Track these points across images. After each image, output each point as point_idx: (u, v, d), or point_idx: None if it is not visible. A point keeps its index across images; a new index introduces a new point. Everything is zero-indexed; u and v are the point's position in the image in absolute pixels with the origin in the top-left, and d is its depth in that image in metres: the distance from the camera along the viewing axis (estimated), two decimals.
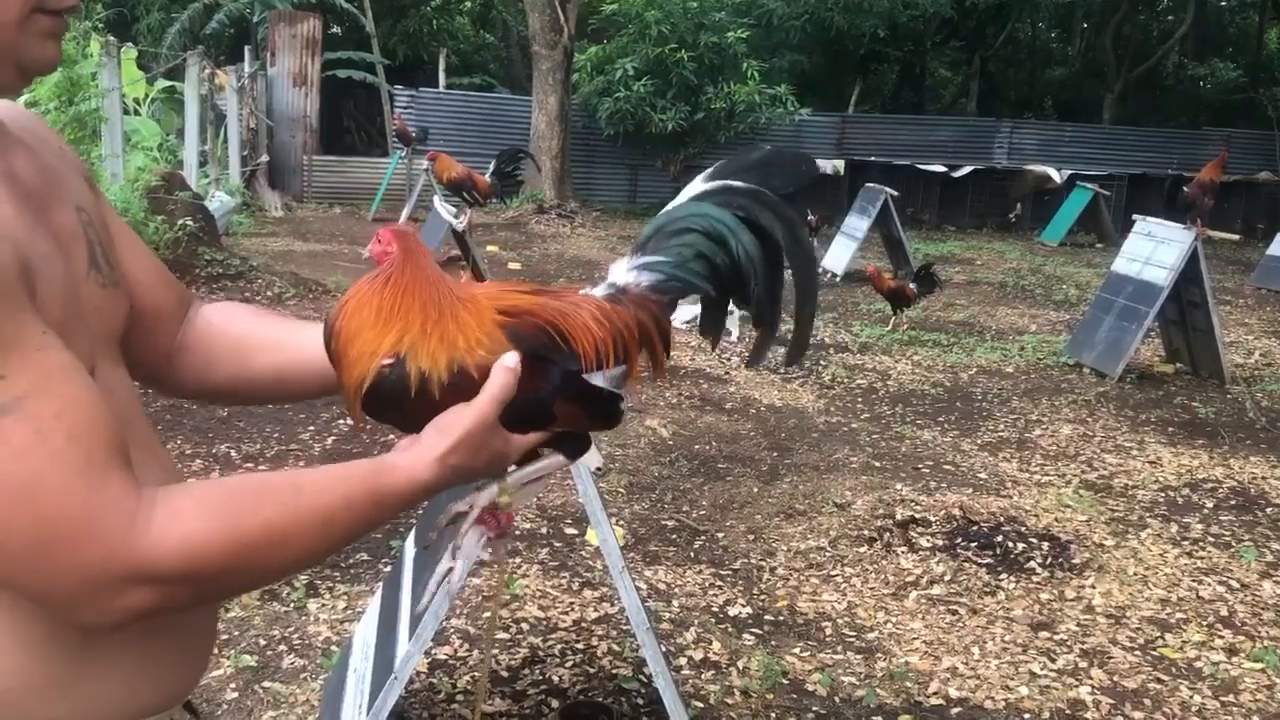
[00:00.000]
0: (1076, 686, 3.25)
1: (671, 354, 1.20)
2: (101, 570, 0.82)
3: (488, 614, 3.51)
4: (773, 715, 3.06)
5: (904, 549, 4.20)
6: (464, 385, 1.02)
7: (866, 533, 4.33)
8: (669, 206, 1.20)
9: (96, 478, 0.82)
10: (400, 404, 1.02)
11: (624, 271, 1.18)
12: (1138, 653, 3.46)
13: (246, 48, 15.53)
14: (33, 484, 0.80)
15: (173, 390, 1.23)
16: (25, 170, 0.95)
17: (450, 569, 1.19)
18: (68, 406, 0.83)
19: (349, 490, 0.96)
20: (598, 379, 1.11)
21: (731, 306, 1.25)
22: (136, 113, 12.34)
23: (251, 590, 1.07)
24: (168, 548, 0.84)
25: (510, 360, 1.03)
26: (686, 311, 8.19)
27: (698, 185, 1.19)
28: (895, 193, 11.20)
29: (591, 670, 3.22)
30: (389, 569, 3.63)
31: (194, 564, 0.85)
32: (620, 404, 1.15)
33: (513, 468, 1.14)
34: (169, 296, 1.20)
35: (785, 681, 3.21)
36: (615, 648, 3.35)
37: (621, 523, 4.33)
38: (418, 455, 1.00)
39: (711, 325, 1.25)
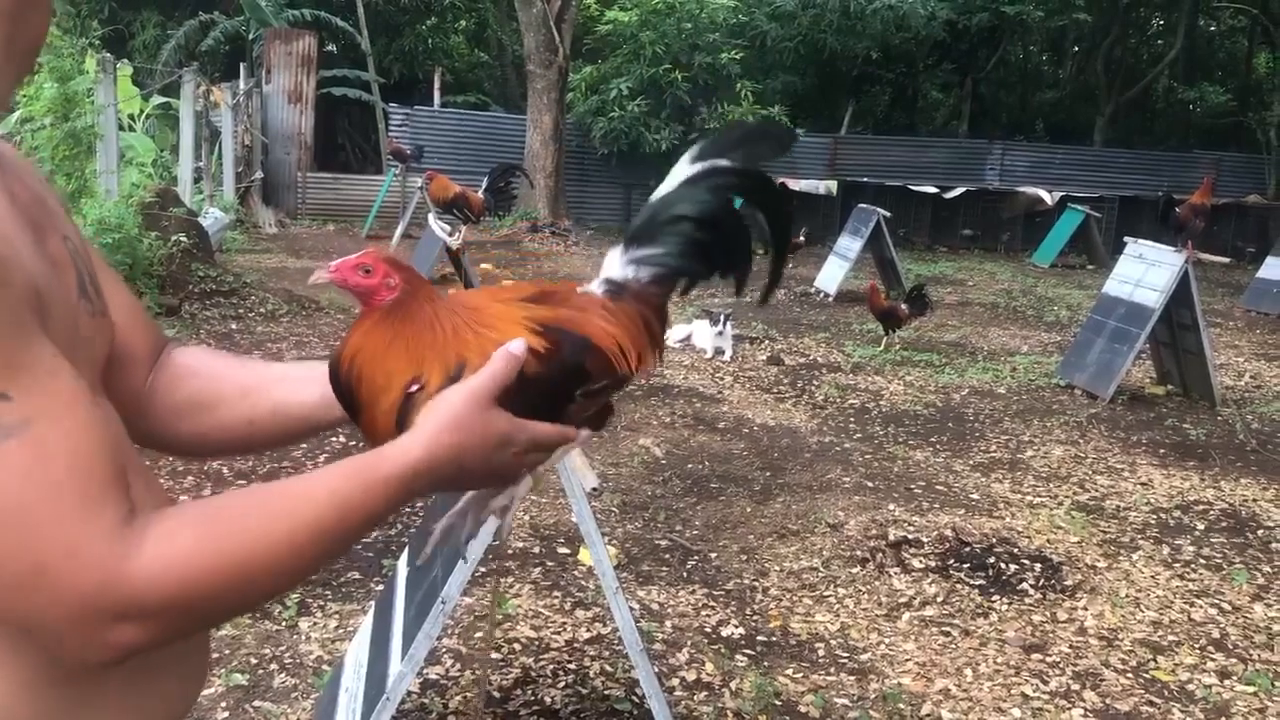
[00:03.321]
0: (1069, 709, 3.25)
1: (666, 343, 1.21)
2: (92, 602, 0.79)
3: (479, 634, 3.50)
4: None
5: (897, 570, 4.20)
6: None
7: (859, 553, 4.33)
8: (657, 193, 1.18)
9: (93, 508, 0.80)
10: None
11: (620, 266, 1.16)
12: (1130, 675, 3.47)
13: (242, 65, 15.58)
14: (29, 510, 0.78)
15: (140, 438, 1.16)
16: (22, 195, 0.95)
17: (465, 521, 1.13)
18: (72, 433, 0.82)
19: (335, 485, 0.92)
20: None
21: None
22: (131, 129, 12.37)
23: (247, 610, 1.02)
24: (157, 574, 0.81)
25: (515, 346, 1.01)
26: (680, 331, 8.22)
27: (685, 169, 1.17)
28: (888, 213, 11.24)
29: (584, 691, 3.21)
30: (381, 588, 3.62)
31: (185, 588, 0.83)
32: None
33: None
34: (144, 338, 1.16)
35: (778, 703, 3.20)
36: (608, 668, 3.34)
37: (614, 542, 4.32)
38: (409, 435, 0.97)
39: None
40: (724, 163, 1.16)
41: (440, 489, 1.01)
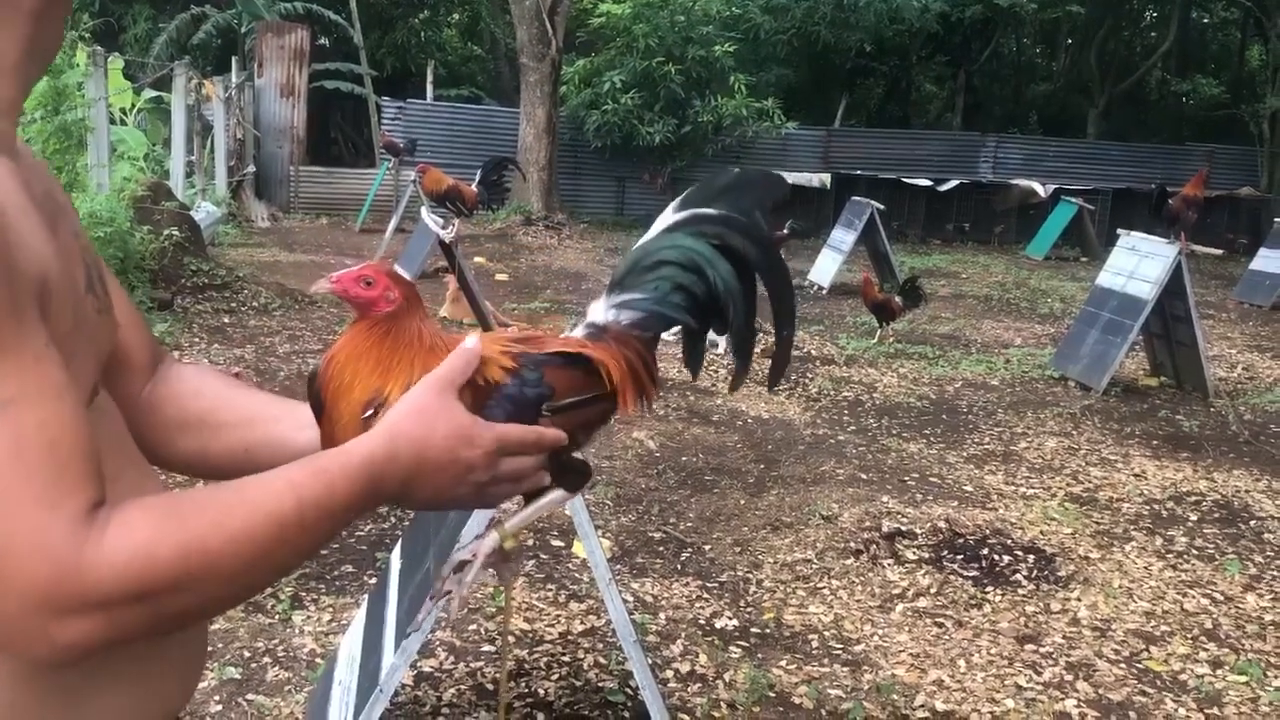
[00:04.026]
0: (1062, 699, 3.26)
1: (659, 389, 1.19)
2: (44, 591, 0.78)
3: (473, 626, 3.50)
4: None
5: (890, 561, 4.20)
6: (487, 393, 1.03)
7: (853, 545, 4.33)
8: (642, 240, 1.18)
9: (63, 496, 0.79)
10: None
11: (603, 311, 1.16)
12: (1123, 665, 3.47)
13: (234, 58, 15.52)
14: None
15: None
16: (36, 188, 0.95)
17: (449, 595, 1.11)
18: (51, 420, 0.80)
19: (293, 476, 0.91)
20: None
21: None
22: (123, 122, 12.31)
23: (212, 609, 1.00)
24: (113, 564, 0.80)
25: (469, 342, 1.02)
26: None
27: (669, 216, 1.18)
28: (881, 206, 11.24)
29: (578, 683, 3.21)
30: (374, 581, 3.61)
31: (138, 577, 0.81)
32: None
33: (513, 505, 1.11)
34: (142, 346, 1.15)
35: (772, 694, 3.20)
36: (602, 660, 3.34)
37: (608, 535, 4.32)
38: (371, 429, 0.97)
39: (692, 355, 1.24)
40: (707, 210, 1.16)
41: (410, 486, 0.98)
